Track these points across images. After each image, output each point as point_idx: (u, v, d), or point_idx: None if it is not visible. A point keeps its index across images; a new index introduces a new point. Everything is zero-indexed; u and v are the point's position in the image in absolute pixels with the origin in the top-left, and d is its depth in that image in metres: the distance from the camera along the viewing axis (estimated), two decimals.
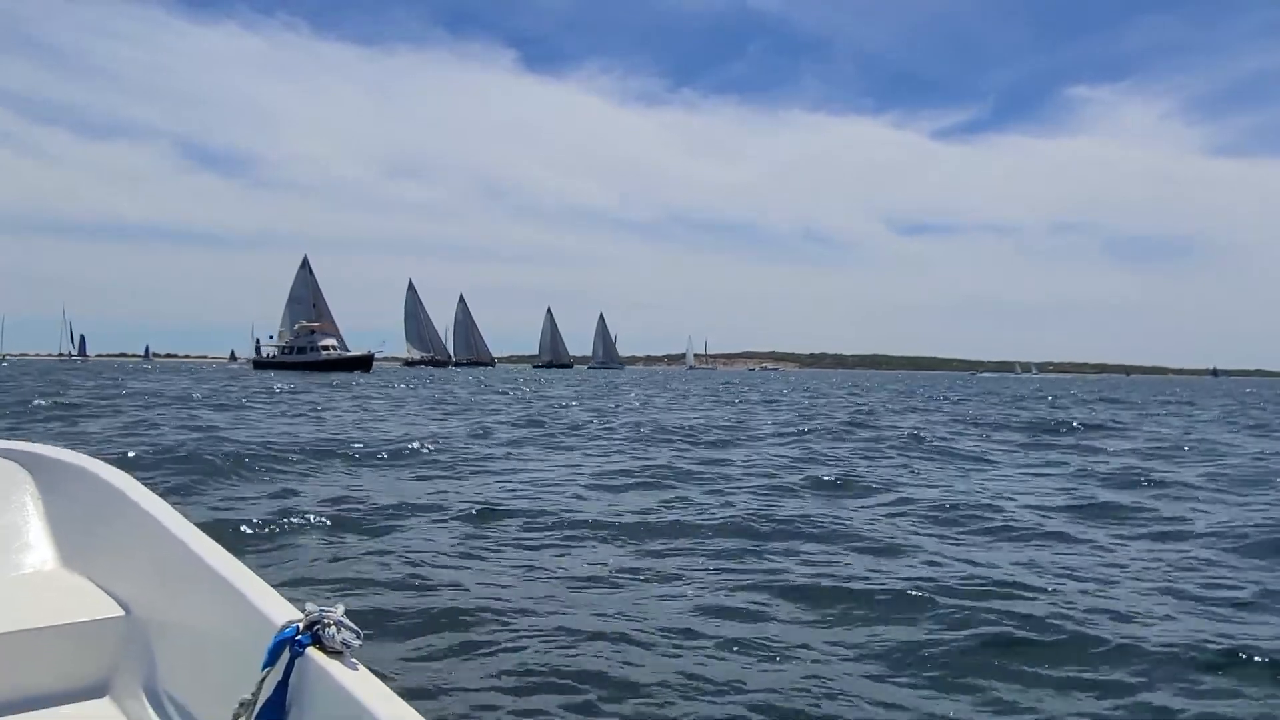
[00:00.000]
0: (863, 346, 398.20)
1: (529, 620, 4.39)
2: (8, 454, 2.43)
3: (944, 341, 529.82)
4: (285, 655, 1.47)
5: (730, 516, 7.23)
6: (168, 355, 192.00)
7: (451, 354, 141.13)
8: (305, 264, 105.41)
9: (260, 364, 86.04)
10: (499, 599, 4.78)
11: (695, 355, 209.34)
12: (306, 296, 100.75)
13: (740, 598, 4.92)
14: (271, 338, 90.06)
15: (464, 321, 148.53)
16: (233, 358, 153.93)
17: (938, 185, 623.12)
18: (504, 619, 4.38)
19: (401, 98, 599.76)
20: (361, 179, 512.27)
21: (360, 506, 7.38)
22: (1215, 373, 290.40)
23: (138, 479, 2.26)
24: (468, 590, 4.94)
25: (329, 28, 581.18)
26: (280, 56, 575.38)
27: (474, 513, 7.17)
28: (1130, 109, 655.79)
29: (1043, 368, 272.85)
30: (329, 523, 6.64)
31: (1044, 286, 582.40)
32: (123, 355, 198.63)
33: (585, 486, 9.04)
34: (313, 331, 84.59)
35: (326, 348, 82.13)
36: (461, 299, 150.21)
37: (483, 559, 5.75)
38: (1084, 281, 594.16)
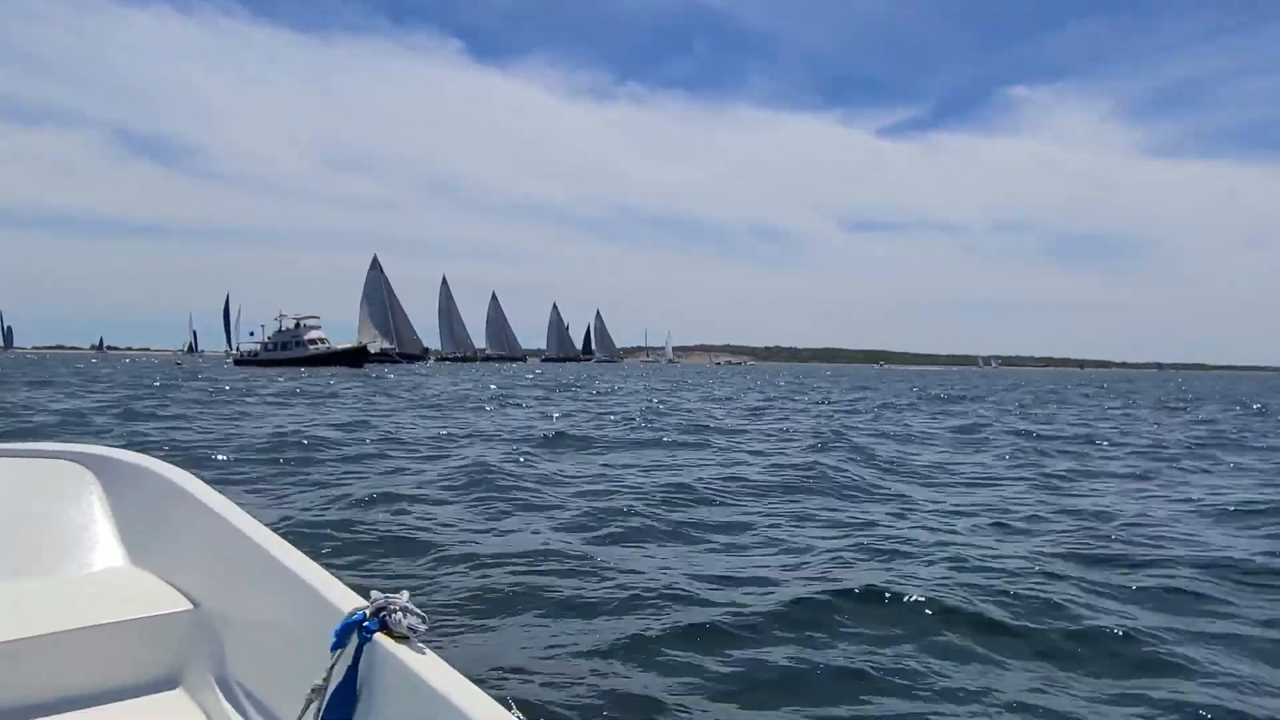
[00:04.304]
0: (816, 340, 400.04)
1: None
2: (74, 456, 2.50)
3: (898, 336, 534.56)
4: (354, 640, 1.49)
5: None
6: (109, 348, 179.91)
7: (478, 349, 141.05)
8: (375, 264, 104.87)
9: (241, 361, 79.27)
10: None
11: (651, 350, 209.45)
12: (380, 295, 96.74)
13: None
14: (252, 334, 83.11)
15: (496, 319, 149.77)
16: (190, 350, 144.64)
17: (884, 183, 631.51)
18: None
19: (343, 88, 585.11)
20: (304, 171, 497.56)
21: None
22: (1160, 366, 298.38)
23: (199, 476, 2.30)
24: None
25: (264, 14, 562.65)
26: (215, 42, 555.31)
27: None
28: (1068, 110, 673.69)
29: (994, 361, 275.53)
30: None
31: (989, 284, 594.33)
32: (60, 348, 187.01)
33: None
34: (297, 324, 77.75)
35: (314, 342, 75.56)
36: (494, 297, 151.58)
37: None
38: (1027, 279, 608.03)
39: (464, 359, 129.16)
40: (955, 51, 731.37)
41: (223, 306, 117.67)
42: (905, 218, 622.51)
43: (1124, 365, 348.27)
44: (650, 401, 25.82)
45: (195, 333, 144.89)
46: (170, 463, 2.42)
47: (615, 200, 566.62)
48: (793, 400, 29.44)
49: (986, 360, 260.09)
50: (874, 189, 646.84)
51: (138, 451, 2.52)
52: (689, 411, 21.30)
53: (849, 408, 25.08)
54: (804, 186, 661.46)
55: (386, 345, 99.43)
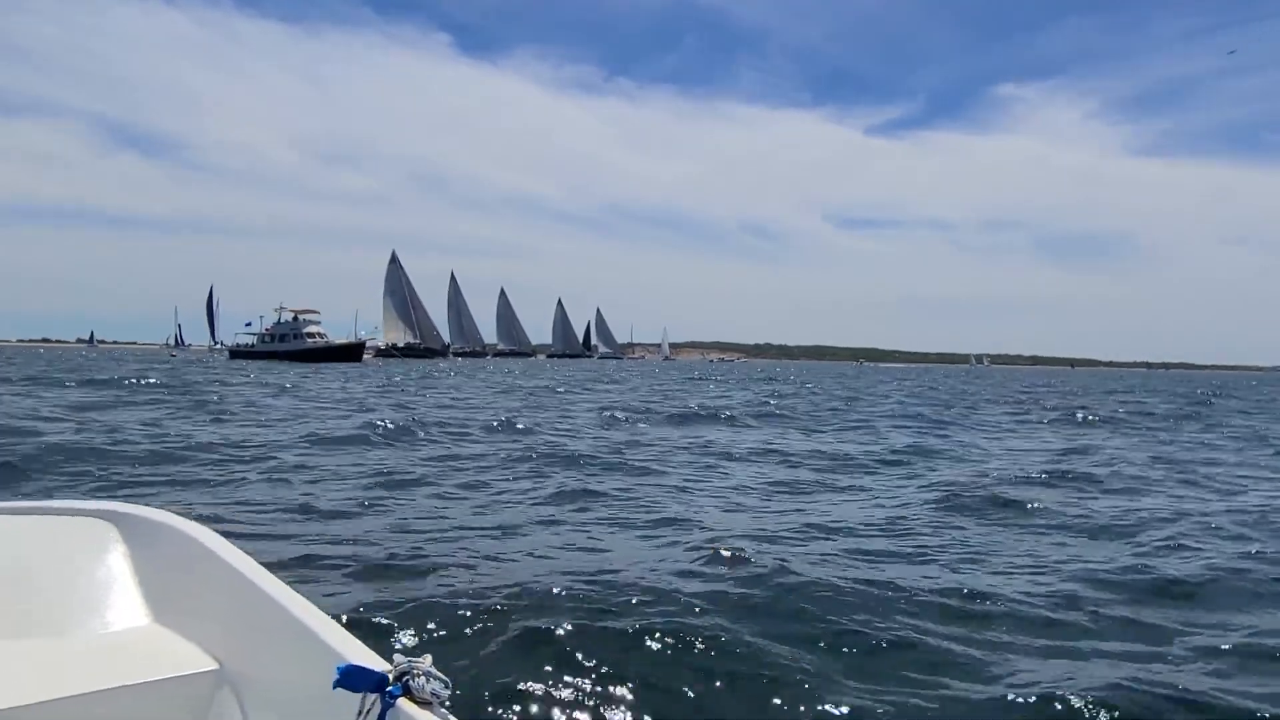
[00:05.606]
0: (806, 338, 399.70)
1: None
2: (98, 514, 2.50)
3: (887, 333, 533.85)
4: (377, 706, 1.49)
5: None
6: (97, 341, 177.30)
7: (489, 344, 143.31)
8: (394, 259, 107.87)
9: (236, 353, 77.85)
10: None
11: (639, 346, 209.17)
12: (401, 291, 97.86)
13: None
14: (249, 325, 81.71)
15: (506, 315, 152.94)
16: (177, 343, 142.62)
17: (874, 181, 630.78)
18: None
19: (332, 81, 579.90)
20: (292, 164, 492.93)
21: None
22: (1149, 365, 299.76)
23: (220, 533, 2.31)
24: None
25: (251, 5, 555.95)
26: (201, 34, 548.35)
27: None
28: (1056, 108, 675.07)
29: (986, 359, 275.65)
30: None
31: (979, 282, 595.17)
32: (46, 341, 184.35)
33: None
34: (295, 317, 76.28)
35: (311, 336, 74.09)
36: (503, 292, 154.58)
37: None
38: (1016, 277, 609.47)
39: (475, 354, 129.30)
40: (944, 49, 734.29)
41: (205, 300, 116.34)
42: (895, 215, 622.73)
43: (1111, 364, 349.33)
44: None
45: (180, 326, 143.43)
46: (194, 520, 2.37)
47: (606, 196, 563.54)
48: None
49: (979, 359, 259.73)
50: (863, 186, 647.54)
51: (161, 509, 2.48)
52: None
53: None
54: (794, 183, 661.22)
55: (412, 339, 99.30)
